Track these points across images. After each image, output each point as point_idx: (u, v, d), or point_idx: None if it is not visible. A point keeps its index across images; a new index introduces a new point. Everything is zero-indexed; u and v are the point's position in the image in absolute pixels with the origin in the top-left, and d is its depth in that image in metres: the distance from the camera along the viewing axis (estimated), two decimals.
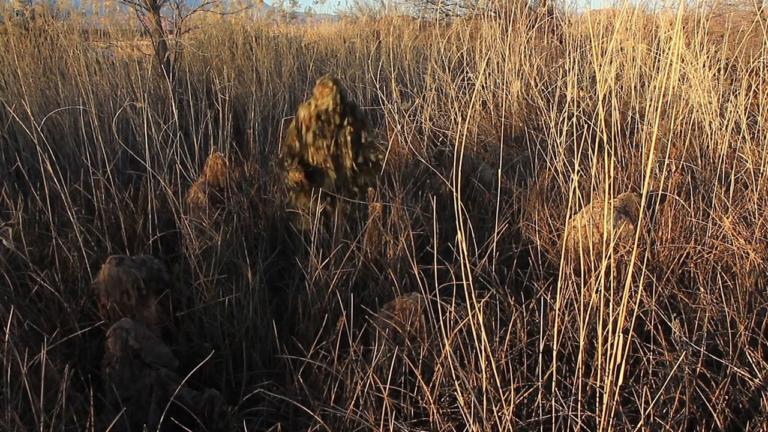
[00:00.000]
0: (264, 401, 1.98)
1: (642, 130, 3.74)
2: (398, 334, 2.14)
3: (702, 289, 2.30)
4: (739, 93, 3.68)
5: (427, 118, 4.86)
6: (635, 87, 4.65)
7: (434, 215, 2.15)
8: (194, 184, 3.52)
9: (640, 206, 2.81)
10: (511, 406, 1.66)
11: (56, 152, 3.86)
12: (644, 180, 2.14)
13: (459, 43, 6.17)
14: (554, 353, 1.69)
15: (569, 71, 4.41)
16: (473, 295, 1.62)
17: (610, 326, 1.63)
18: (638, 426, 1.58)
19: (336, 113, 2.88)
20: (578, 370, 1.70)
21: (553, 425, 1.68)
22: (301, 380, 1.97)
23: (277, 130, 5.07)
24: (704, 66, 4.03)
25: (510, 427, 1.63)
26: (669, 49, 4.30)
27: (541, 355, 1.81)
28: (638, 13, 5.49)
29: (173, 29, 6.59)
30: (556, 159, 3.44)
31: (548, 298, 2.14)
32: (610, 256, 1.58)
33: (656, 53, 4.74)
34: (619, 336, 1.52)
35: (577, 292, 2.07)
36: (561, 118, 3.62)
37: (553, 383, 1.71)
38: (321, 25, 10.56)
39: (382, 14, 8.86)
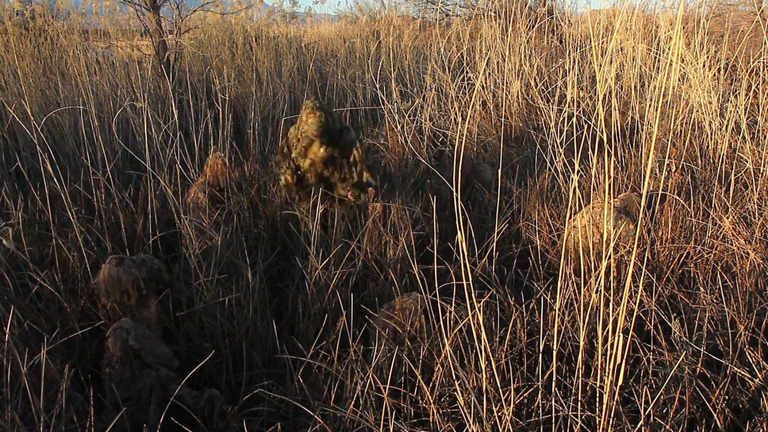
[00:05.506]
0: (264, 401, 1.98)
1: (642, 130, 3.74)
2: (398, 334, 2.14)
3: (702, 289, 2.30)
4: (739, 93, 3.68)
5: (427, 118, 4.86)
6: (635, 87, 4.65)
7: (434, 215, 2.15)
8: (194, 184, 3.52)
9: (640, 206, 2.81)
10: (511, 406, 1.66)
11: (56, 152, 3.85)
12: (644, 180, 2.14)
13: (459, 43, 6.17)
14: (554, 353, 1.69)
15: (569, 71, 4.41)
16: (473, 295, 1.62)
17: (610, 326, 1.63)
18: (638, 426, 1.58)
19: (317, 137, 2.93)
20: (578, 370, 1.70)
21: (553, 425, 1.68)
22: (301, 380, 1.97)
23: (277, 130, 5.07)
24: (704, 66, 4.03)
25: (510, 427, 1.63)
26: (669, 49, 4.30)
27: (541, 355, 1.81)
28: (638, 13, 5.49)
29: (173, 29, 6.59)
30: (556, 159, 3.44)
31: (548, 298, 2.14)
32: (610, 256, 1.58)
33: (656, 53, 4.74)
34: (619, 336, 1.52)
35: (577, 292, 2.07)
36: (561, 118, 3.62)
37: (553, 383, 1.71)
38: (321, 25, 10.55)
39: (382, 14, 8.84)
